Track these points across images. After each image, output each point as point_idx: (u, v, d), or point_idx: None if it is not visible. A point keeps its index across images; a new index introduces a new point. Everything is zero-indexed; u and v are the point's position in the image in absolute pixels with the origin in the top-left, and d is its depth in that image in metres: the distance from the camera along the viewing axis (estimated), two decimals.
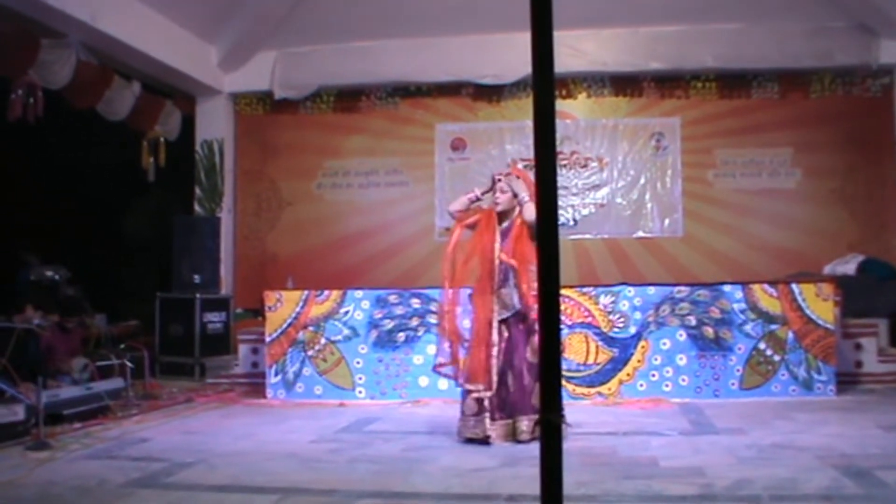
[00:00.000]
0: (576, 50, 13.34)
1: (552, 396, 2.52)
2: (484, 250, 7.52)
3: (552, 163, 2.55)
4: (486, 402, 7.27)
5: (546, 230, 2.54)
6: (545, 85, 2.54)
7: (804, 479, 5.57)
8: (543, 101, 2.53)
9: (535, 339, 7.10)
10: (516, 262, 7.38)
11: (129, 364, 9.90)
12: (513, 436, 7.23)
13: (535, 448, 6.46)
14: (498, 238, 7.51)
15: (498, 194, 7.60)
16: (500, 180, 7.64)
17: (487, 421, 7.23)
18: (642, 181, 13.72)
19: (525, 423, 7.21)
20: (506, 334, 7.38)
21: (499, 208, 7.59)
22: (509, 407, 7.29)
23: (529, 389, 7.22)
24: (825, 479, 5.58)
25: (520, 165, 13.60)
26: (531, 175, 7.57)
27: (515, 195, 7.51)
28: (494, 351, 7.31)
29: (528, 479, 5.78)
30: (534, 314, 7.22)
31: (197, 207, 14.28)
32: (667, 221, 13.61)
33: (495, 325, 7.35)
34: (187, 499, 5.58)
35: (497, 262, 7.43)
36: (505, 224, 7.58)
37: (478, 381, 7.31)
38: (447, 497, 5.45)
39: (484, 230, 7.57)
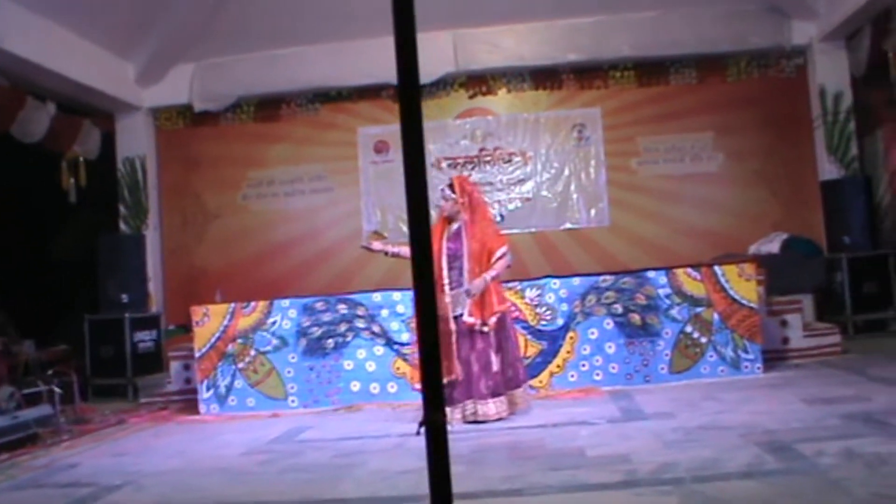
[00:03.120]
0: (493, 45, 13.43)
1: (435, 396, 2.52)
2: (434, 253, 7.86)
3: (421, 164, 2.55)
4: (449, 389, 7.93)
5: (417, 231, 2.54)
6: (411, 80, 2.53)
7: (727, 458, 5.65)
8: (409, 101, 2.53)
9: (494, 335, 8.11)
10: (471, 249, 8.09)
11: (57, 390, 9.74)
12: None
13: (460, 446, 6.52)
14: (444, 240, 8.25)
15: (441, 202, 8.39)
16: (443, 189, 8.45)
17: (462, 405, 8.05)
18: (566, 173, 13.80)
19: (489, 406, 8.01)
20: (462, 329, 8.06)
21: (445, 214, 8.35)
22: (475, 391, 8.01)
23: (489, 375, 8.03)
24: (747, 456, 5.67)
25: (444, 164, 13.68)
26: (473, 185, 8.69)
27: (456, 201, 8.29)
28: (453, 339, 8.01)
29: (455, 476, 5.74)
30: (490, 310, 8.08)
31: (122, 225, 14.14)
32: (593, 211, 13.71)
33: (451, 319, 8.03)
34: None
35: (445, 260, 8.16)
36: (454, 226, 8.29)
37: (446, 373, 7.90)
38: (374, 501, 5.46)
39: (435, 232, 8.23)
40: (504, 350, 8.12)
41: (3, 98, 11.66)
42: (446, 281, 8.10)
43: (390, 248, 8.62)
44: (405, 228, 8.66)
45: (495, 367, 8.00)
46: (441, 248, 8.17)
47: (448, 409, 7.66)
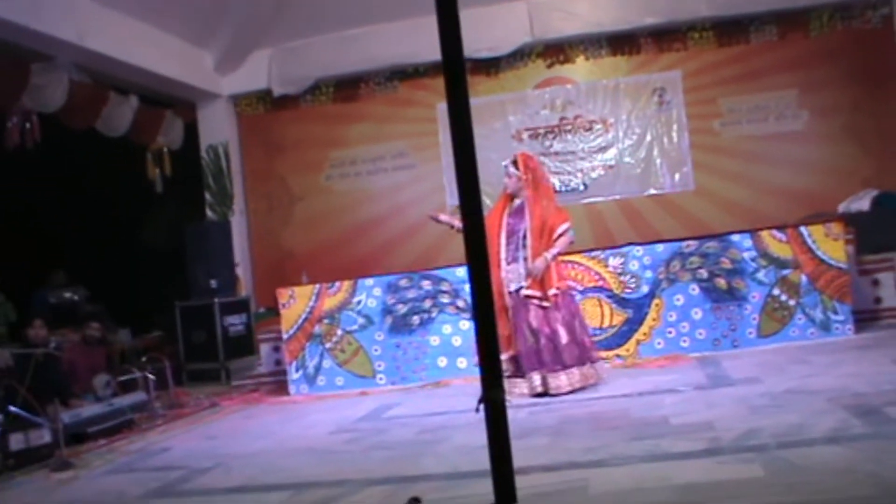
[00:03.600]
0: (569, 13, 13.28)
1: (493, 375, 2.51)
2: (490, 228, 8.05)
3: (469, 134, 2.53)
4: (507, 364, 8.05)
5: (470, 211, 2.53)
6: (455, 55, 2.51)
7: (812, 424, 5.56)
8: (454, 76, 2.51)
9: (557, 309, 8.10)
10: (533, 225, 8.06)
11: (150, 376, 9.95)
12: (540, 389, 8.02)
13: (548, 418, 6.52)
14: (505, 215, 8.25)
15: (505, 179, 8.34)
16: (506, 166, 8.37)
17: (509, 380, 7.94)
18: (648, 138, 13.61)
19: (560, 378, 8.02)
20: (518, 304, 8.08)
21: (509, 190, 8.31)
22: (542, 363, 8.02)
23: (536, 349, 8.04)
24: (833, 420, 5.57)
25: (524, 136, 13.62)
26: (536, 162, 8.56)
27: (520, 178, 8.22)
28: (510, 314, 8.08)
29: (538, 450, 5.81)
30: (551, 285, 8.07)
31: (209, 212, 14.35)
32: (677, 176, 13.51)
33: (507, 294, 8.07)
34: (202, 503, 5.63)
35: (504, 235, 8.17)
36: (517, 202, 8.28)
37: (505, 347, 8.03)
38: (454, 476, 5.45)
39: (494, 212, 8.29)
40: (570, 326, 8.08)
41: (87, 95, 11.89)
42: (503, 256, 8.12)
43: (457, 223, 8.42)
44: (488, 202, 8.72)
45: (564, 339, 7.98)
46: (501, 224, 8.20)
47: (515, 382, 8.00)
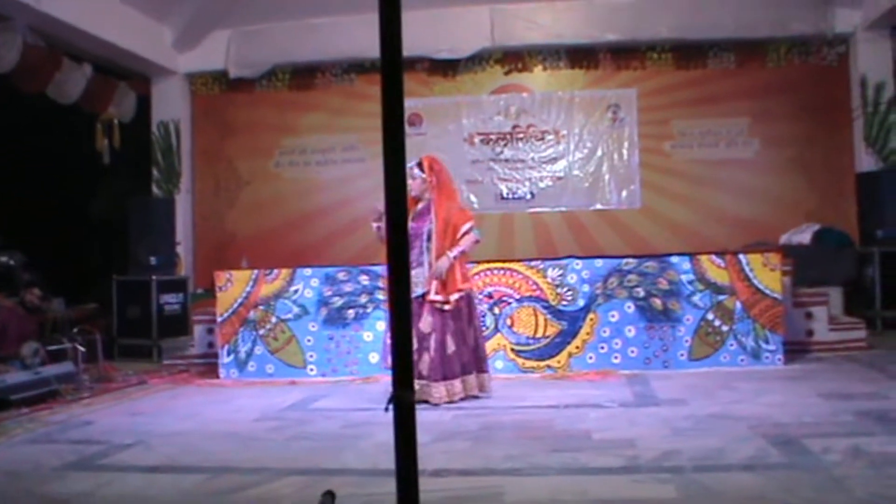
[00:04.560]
0: (531, 22, 13.36)
1: (404, 373, 2.52)
2: None
3: (401, 145, 2.54)
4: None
5: (394, 212, 2.54)
6: (393, 64, 2.51)
7: (731, 450, 5.62)
8: (392, 82, 2.52)
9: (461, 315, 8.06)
10: (438, 225, 8.00)
11: (80, 347, 9.85)
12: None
13: (472, 422, 6.53)
14: (409, 220, 7.98)
15: (409, 181, 8.02)
16: (411, 168, 8.11)
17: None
18: (599, 153, 13.73)
19: (439, 389, 7.88)
20: (420, 311, 7.94)
21: (413, 193, 8.10)
22: (426, 373, 7.90)
23: (442, 358, 7.91)
24: (752, 448, 5.64)
25: (476, 140, 13.66)
26: (441, 164, 8.38)
27: (424, 180, 8.11)
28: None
29: (458, 453, 5.84)
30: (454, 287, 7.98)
31: (154, 189, 14.25)
32: (624, 193, 13.63)
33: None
34: (117, 480, 5.60)
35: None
36: (420, 206, 8.17)
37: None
38: (373, 473, 5.45)
39: None
40: (462, 333, 8.01)
41: (40, 59, 11.74)
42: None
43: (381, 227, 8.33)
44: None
45: (450, 349, 7.91)
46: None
47: (422, 386, 7.81)
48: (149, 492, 5.29)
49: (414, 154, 13.22)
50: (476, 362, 8.11)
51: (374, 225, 8.19)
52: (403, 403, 2.51)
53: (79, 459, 6.25)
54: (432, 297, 7.88)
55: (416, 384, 7.67)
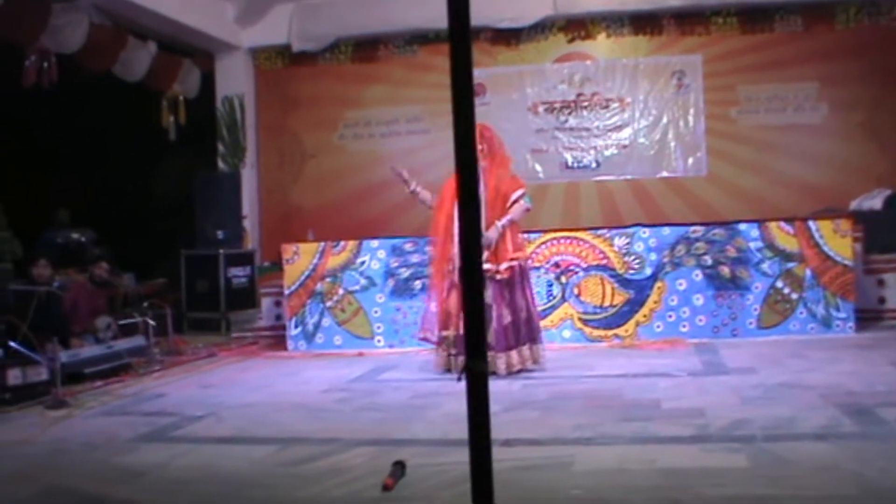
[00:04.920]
0: None
1: (477, 344, 2.52)
2: (443, 205, 8.08)
3: (471, 122, 2.52)
4: (457, 340, 7.94)
5: (465, 168, 2.52)
6: (461, 35, 2.50)
7: (803, 419, 5.59)
8: (460, 52, 2.50)
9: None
10: (488, 193, 7.86)
11: (151, 322, 9.99)
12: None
13: (541, 392, 6.53)
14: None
15: None
16: None
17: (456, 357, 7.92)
18: (664, 121, 13.55)
19: (500, 359, 7.86)
20: None
21: None
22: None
23: (499, 327, 7.85)
24: (824, 417, 5.59)
25: (540, 109, 13.57)
26: (494, 132, 8.30)
27: (480, 153, 7.87)
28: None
29: (527, 423, 5.85)
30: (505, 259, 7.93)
31: (220, 164, 14.33)
32: (690, 160, 13.46)
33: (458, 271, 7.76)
34: (191, 451, 5.69)
35: (457, 209, 7.69)
36: None
37: (455, 325, 7.91)
38: (443, 443, 5.48)
39: (448, 187, 8.07)
40: (515, 303, 7.94)
41: (106, 38, 11.86)
42: (457, 230, 7.93)
43: (414, 186, 8.45)
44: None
45: (506, 320, 7.87)
46: (454, 199, 8.00)
47: (456, 362, 7.85)
48: (221, 462, 5.36)
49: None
50: (529, 333, 8.05)
51: (409, 190, 8.32)
52: (476, 373, 2.50)
53: (152, 431, 6.37)
54: (483, 266, 7.79)
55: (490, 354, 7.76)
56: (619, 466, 4.74)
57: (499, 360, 7.79)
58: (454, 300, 7.89)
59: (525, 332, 7.98)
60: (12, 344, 7.92)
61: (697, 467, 4.65)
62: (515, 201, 7.95)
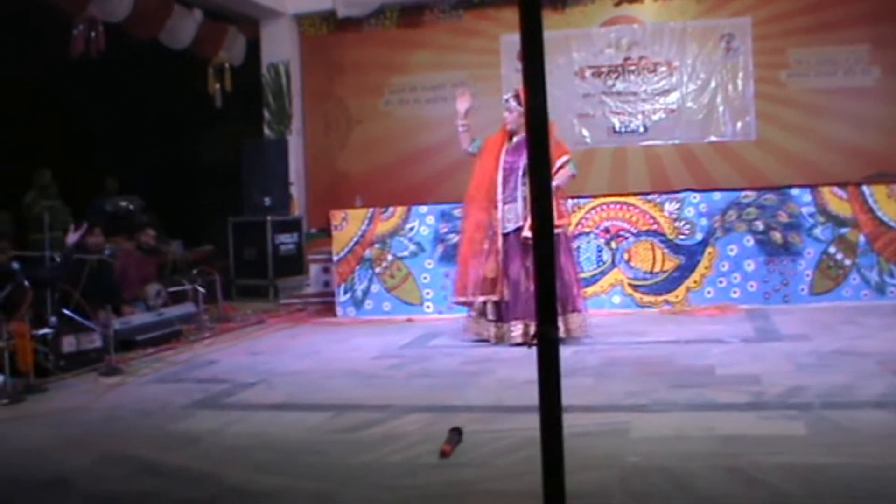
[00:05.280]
0: None
1: (547, 310, 2.50)
2: (485, 168, 8.01)
3: (541, 81, 2.49)
4: (492, 306, 7.94)
5: (537, 142, 2.49)
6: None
7: (860, 386, 5.54)
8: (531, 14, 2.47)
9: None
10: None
11: (200, 289, 10.05)
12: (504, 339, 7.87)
13: (593, 358, 6.51)
14: (503, 152, 7.98)
15: (505, 114, 8.06)
16: (507, 100, 8.07)
17: (492, 324, 7.96)
18: (713, 84, 13.38)
19: (516, 328, 7.80)
20: (512, 246, 7.87)
21: (508, 126, 8.02)
22: (509, 312, 7.84)
23: (526, 297, 7.68)
24: (882, 385, 5.53)
25: (587, 73, 13.46)
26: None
27: (521, 113, 7.71)
28: (500, 257, 7.87)
29: (581, 389, 5.83)
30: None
31: (266, 130, 14.36)
32: (739, 125, 13.29)
33: (500, 235, 7.88)
34: (244, 418, 5.73)
35: (500, 175, 7.90)
36: (515, 140, 7.98)
37: (490, 290, 7.90)
38: (497, 409, 5.50)
39: (490, 149, 8.06)
40: (560, 272, 7.70)
41: (152, 6, 11.91)
42: (500, 195, 7.89)
43: (462, 121, 8.30)
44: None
45: None
46: (498, 162, 7.96)
47: (490, 327, 7.87)
48: (275, 429, 5.38)
49: None
50: (570, 302, 7.87)
51: (457, 122, 8.27)
52: (547, 339, 2.48)
53: (205, 398, 6.42)
54: (525, 232, 7.68)
55: (517, 325, 7.80)
56: (675, 433, 4.72)
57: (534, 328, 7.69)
58: (492, 265, 7.86)
59: (566, 300, 7.79)
60: (66, 311, 7.99)
61: (756, 434, 4.62)
62: (560, 167, 7.84)
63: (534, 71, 2.44)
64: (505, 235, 7.87)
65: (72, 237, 8.82)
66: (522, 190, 7.75)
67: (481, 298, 7.97)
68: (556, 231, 7.75)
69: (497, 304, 7.94)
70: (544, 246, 2.52)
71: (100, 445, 5.18)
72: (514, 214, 7.84)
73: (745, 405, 5.23)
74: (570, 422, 4.90)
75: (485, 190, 7.98)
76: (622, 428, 4.87)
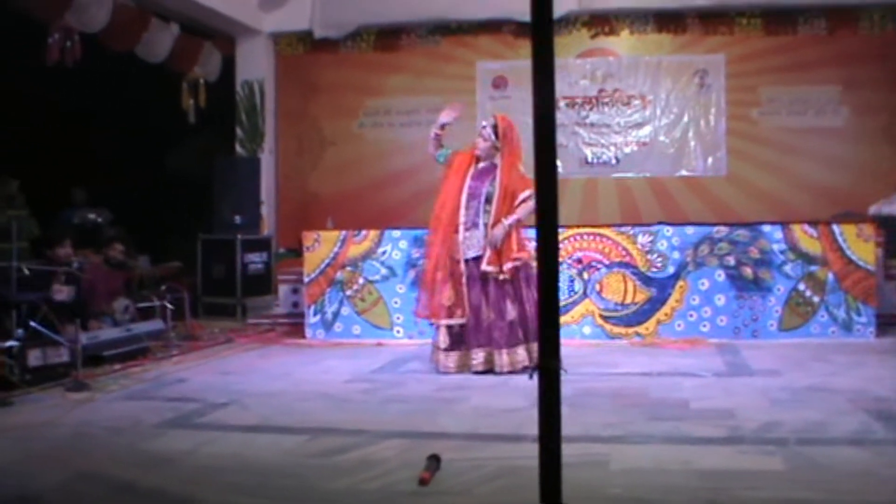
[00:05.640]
0: None
1: (550, 342, 2.50)
2: (451, 189, 8.02)
3: (551, 110, 2.50)
4: (460, 333, 7.90)
5: (544, 176, 2.50)
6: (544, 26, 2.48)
7: (834, 423, 5.57)
8: (542, 41, 2.49)
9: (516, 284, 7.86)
10: (499, 191, 7.82)
11: (169, 305, 9.99)
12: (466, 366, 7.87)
13: (567, 388, 6.47)
14: (468, 176, 7.98)
15: (479, 140, 8.07)
16: (484, 127, 8.12)
17: (465, 353, 7.91)
18: (685, 119, 13.49)
19: (503, 356, 7.77)
20: (474, 273, 7.86)
21: (478, 152, 8.05)
22: (490, 340, 7.80)
23: (487, 324, 7.79)
24: (855, 422, 5.58)
25: (561, 104, 13.50)
26: (515, 129, 8.08)
27: (496, 148, 7.96)
28: (463, 281, 7.86)
29: None
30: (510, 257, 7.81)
31: (238, 148, 14.29)
32: (710, 160, 13.40)
33: (462, 262, 7.87)
34: (218, 439, 5.67)
35: (465, 198, 7.90)
36: (481, 165, 8.02)
37: (448, 316, 7.88)
38: (474, 437, 5.48)
39: (456, 169, 8.06)
40: (522, 300, 7.83)
41: (129, 18, 11.83)
42: (462, 220, 7.88)
43: (437, 131, 8.30)
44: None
45: (510, 315, 7.75)
46: (462, 186, 7.96)
47: (459, 354, 7.83)
48: (250, 451, 5.33)
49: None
50: (532, 332, 7.77)
51: (435, 129, 8.28)
52: (549, 371, 2.48)
53: (177, 417, 6.35)
54: (485, 267, 7.76)
55: (479, 352, 7.80)
56: (655, 466, 4.72)
57: (501, 357, 7.73)
58: (449, 292, 7.86)
59: (527, 330, 7.79)
60: (33, 324, 7.90)
61: (734, 469, 4.64)
62: (524, 200, 7.78)
63: (542, 61, 2.45)
64: (466, 262, 7.87)
65: (59, 293, 8.75)
66: (484, 217, 7.83)
67: (444, 322, 7.93)
68: (517, 263, 7.80)
69: (456, 333, 7.92)
70: (549, 279, 2.52)
71: (71, 463, 5.10)
72: (475, 242, 7.84)
73: (722, 439, 5.25)
74: None
75: (449, 211, 7.97)
76: (602, 460, 4.87)
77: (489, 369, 7.71)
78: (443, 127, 8.24)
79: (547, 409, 2.45)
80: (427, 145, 8.42)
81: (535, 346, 7.53)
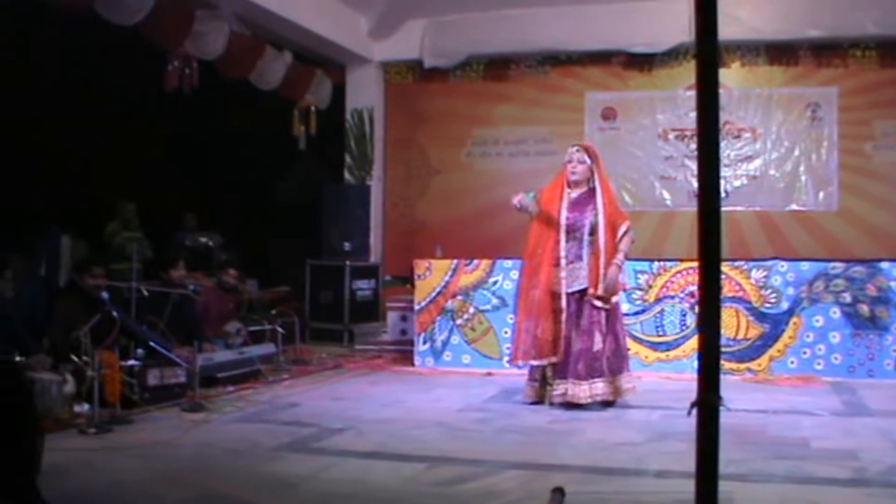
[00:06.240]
0: (730, 17, 13.00)
1: (711, 377, 2.49)
2: (546, 222, 7.82)
3: (715, 136, 2.51)
4: (550, 369, 7.76)
5: (707, 210, 2.50)
6: (709, 52, 2.48)
7: None
8: (707, 69, 2.49)
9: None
10: (605, 221, 7.64)
11: (280, 329, 10.13)
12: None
13: (683, 423, 6.41)
14: (563, 208, 7.75)
15: (575, 164, 7.79)
16: (576, 151, 7.86)
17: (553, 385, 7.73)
18: (796, 153, 13.29)
19: (583, 388, 7.55)
20: (573, 307, 7.66)
21: (574, 178, 7.79)
22: (571, 372, 7.60)
23: (575, 357, 7.60)
24: None
25: (671, 136, 13.42)
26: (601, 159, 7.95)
27: (592, 171, 7.75)
28: (563, 317, 7.64)
29: (677, 454, 5.75)
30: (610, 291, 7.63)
31: (347, 175, 14.48)
32: (821, 195, 13.18)
33: (563, 296, 7.65)
34: (336, 464, 5.73)
35: (563, 231, 7.68)
36: (574, 195, 7.80)
37: (546, 354, 7.72)
38: (595, 471, 5.46)
39: (548, 202, 7.84)
40: (612, 332, 7.68)
41: (245, 46, 12.07)
42: (563, 254, 7.67)
43: (531, 208, 7.94)
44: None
45: (597, 346, 7.55)
46: (559, 219, 7.72)
47: (536, 388, 7.81)
48: (370, 478, 5.37)
49: (610, 149, 13.10)
50: (617, 364, 7.73)
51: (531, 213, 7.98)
52: (709, 407, 2.47)
53: (294, 441, 6.44)
54: (594, 300, 7.59)
55: (562, 385, 7.65)
56: None
57: (579, 388, 7.54)
58: (548, 327, 7.69)
59: (612, 363, 7.68)
60: (153, 344, 8.06)
61: None
62: (625, 234, 7.71)
63: (709, 125, 2.45)
64: (570, 295, 7.68)
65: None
66: (588, 248, 7.66)
67: (534, 363, 7.85)
68: (615, 299, 7.75)
69: (546, 368, 7.83)
70: (711, 313, 2.51)
71: (196, 483, 5.20)
72: (581, 274, 7.66)
73: (847, 481, 5.16)
74: (671, 487, 4.93)
75: (549, 250, 7.76)
76: (726, 497, 4.74)
77: (566, 402, 7.56)
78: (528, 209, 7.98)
79: (703, 447, 2.44)
80: (517, 196, 8.00)
81: (620, 379, 7.68)
